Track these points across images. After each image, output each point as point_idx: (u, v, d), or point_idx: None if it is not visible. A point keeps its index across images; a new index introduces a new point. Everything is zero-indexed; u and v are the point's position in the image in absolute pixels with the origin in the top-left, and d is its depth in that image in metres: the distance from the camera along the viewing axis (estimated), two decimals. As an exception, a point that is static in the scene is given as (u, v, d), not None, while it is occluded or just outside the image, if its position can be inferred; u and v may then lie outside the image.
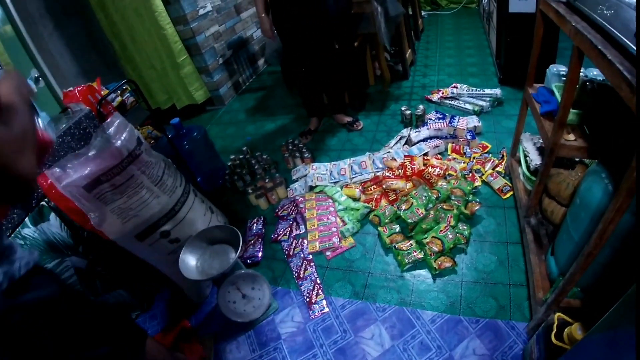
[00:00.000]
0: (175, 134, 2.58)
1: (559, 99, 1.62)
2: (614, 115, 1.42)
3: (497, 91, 2.96)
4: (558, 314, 1.30)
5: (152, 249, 1.85)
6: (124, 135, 1.69)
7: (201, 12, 3.68)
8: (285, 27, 2.56)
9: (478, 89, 3.05)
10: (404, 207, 2.09)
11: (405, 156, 2.43)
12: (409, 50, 3.71)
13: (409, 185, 2.25)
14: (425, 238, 1.94)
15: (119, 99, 2.20)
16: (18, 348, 0.81)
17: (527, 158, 1.96)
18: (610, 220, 1.06)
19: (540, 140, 2.00)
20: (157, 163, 1.87)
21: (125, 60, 3.79)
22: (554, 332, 1.25)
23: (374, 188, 2.34)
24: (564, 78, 1.79)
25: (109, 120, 1.69)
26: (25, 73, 2.63)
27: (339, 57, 2.73)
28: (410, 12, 3.95)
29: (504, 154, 2.40)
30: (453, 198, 2.12)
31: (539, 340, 1.35)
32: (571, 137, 1.51)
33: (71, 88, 2.13)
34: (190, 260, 1.83)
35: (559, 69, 1.82)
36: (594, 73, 1.74)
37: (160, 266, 1.94)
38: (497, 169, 2.33)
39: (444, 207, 2.07)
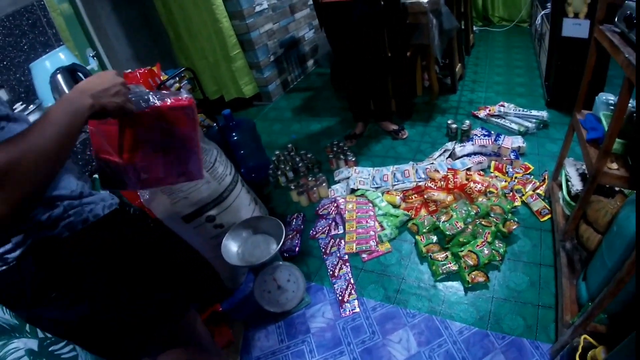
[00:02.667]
0: (226, 124, 2.70)
1: (606, 127, 1.64)
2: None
3: (544, 114, 2.97)
4: (584, 335, 1.34)
5: (196, 232, 1.95)
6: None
7: (257, 9, 3.80)
8: (338, 33, 2.61)
9: (525, 110, 3.06)
10: (443, 218, 2.14)
11: (448, 169, 2.48)
12: (459, 65, 3.74)
13: (450, 198, 2.30)
14: (462, 251, 1.99)
15: (177, 85, 2.32)
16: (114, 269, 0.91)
17: (569, 183, 1.98)
18: None
19: (583, 167, 2.02)
20: (210, 150, 1.97)
21: (179, 49, 3.95)
22: (579, 352, 1.29)
23: (415, 197, 2.40)
24: (612, 107, 1.83)
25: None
26: (81, 52, 2.78)
27: (390, 65, 2.79)
28: (462, 27, 3.96)
29: (546, 177, 2.42)
30: (492, 215, 2.16)
31: (563, 360, 1.39)
32: (614, 165, 1.54)
33: (130, 70, 2.26)
34: (232, 246, 1.93)
35: (607, 97, 1.84)
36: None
37: (201, 249, 2.05)
38: (538, 191, 2.35)
39: (483, 222, 2.11)
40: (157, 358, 1.09)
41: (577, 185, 1.91)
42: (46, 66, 2.00)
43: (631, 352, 0.91)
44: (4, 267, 0.81)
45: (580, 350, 1.30)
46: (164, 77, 2.28)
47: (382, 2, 2.49)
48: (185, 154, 1.22)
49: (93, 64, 2.41)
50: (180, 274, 1.18)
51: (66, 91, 1.84)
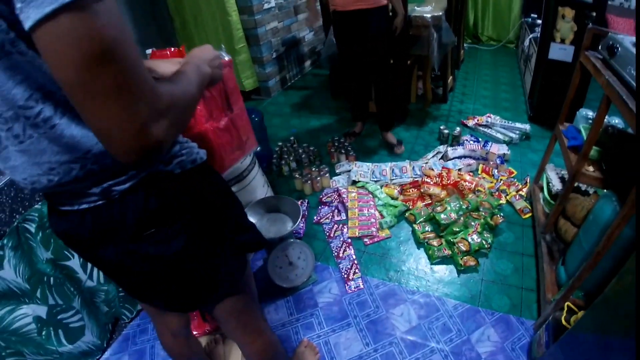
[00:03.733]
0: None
1: (585, 137, 1.93)
2: (628, 156, 1.75)
3: (527, 127, 3.27)
4: (567, 302, 1.59)
5: None
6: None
7: (266, 6, 3.99)
8: (348, 39, 2.77)
9: (510, 122, 3.36)
10: (438, 209, 2.37)
11: (442, 167, 2.73)
12: (451, 77, 4.03)
13: (444, 193, 2.55)
14: (455, 238, 2.23)
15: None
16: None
17: (550, 184, 2.25)
18: (617, 225, 1.37)
19: (563, 172, 2.30)
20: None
21: (183, 37, 4.06)
22: (564, 316, 1.54)
23: (413, 191, 2.63)
24: (591, 121, 2.12)
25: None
26: None
27: (393, 72, 3.00)
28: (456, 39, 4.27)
29: (528, 181, 2.70)
30: (481, 209, 2.41)
31: (547, 328, 1.63)
32: (590, 168, 1.81)
33: (152, 49, 2.38)
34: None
35: (587, 112, 2.15)
36: (616, 121, 2.07)
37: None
38: (520, 192, 2.62)
39: (473, 215, 2.36)
40: (215, 307, 1.14)
41: (557, 185, 2.19)
42: None
43: (606, 309, 1.13)
44: (102, 202, 0.81)
45: (564, 314, 1.54)
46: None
47: (391, 13, 2.74)
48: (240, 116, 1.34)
49: None
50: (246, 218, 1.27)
51: None
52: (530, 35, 3.93)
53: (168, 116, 0.65)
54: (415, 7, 3.29)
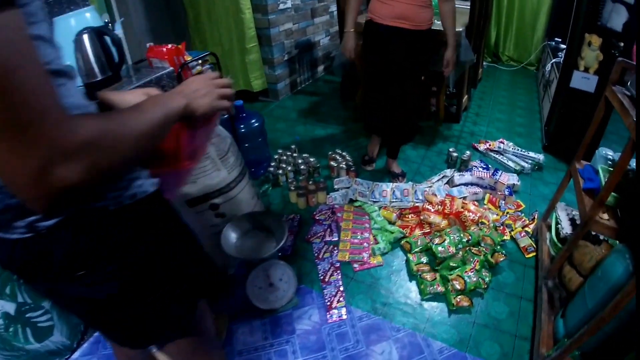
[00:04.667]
0: (236, 115, 2.74)
1: (602, 179, 1.76)
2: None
3: (541, 157, 3.10)
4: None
5: (197, 218, 1.97)
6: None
7: (281, 6, 3.85)
8: (377, 53, 2.52)
9: (523, 150, 3.19)
10: (436, 240, 2.22)
11: (446, 195, 2.57)
12: (466, 96, 3.86)
13: (445, 222, 2.39)
14: (451, 275, 2.07)
15: (199, 67, 2.35)
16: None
17: (559, 225, 2.09)
18: (628, 294, 1.22)
19: (574, 212, 2.13)
20: (224, 138, 2.01)
21: (195, 31, 3.96)
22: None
23: (412, 217, 2.48)
24: (610, 162, 1.95)
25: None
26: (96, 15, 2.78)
27: (417, 90, 2.83)
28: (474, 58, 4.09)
29: (535, 217, 2.53)
30: (482, 245, 2.25)
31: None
32: (605, 216, 1.65)
33: (151, 43, 2.26)
34: (232, 237, 1.96)
35: (607, 152, 1.97)
36: (637, 164, 1.89)
37: (200, 235, 2.06)
38: (526, 228, 2.46)
39: (473, 250, 2.20)
40: (164, 347, 1.08)
41: (566, 228, 2.02)
42: (71, 24, 1.95)
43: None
44: (30, 235, 0.72)
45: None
46: (187, 57, 2.31)
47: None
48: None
49: (119, 31, 2.40)
50: (202, 259, 1.18)
51: (89, 53, 1.83)
52: (553, 60, 3.75)
53: (84, 157, 0.55)
54: (435, 21, 3.12)
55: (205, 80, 0.91)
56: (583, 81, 2.89)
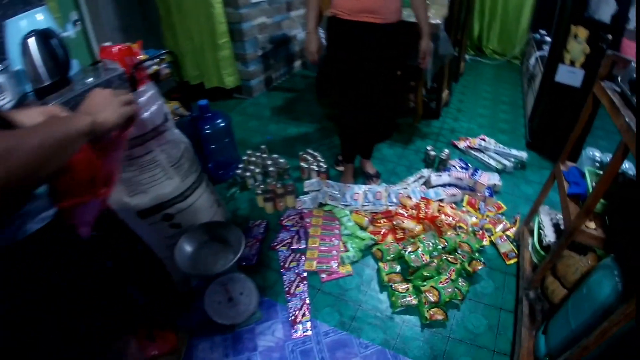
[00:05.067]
0: (200, 115, 2.57)
1: (589, 184, 1.62)
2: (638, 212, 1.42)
3: (524, 154, 2.95)
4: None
5: (151, 229, 1.83)
6: (153, 108, 1.66)
7: (253, 0, 3.67)
8: (345, 51, 2.26)
9: (505, 148, 3.03)
10: (409, 248, 2.06)
11: (421, 197, 2.41)
12: (446, 91, 3.71)
13: (419, 227, 2.23)
14: (424, 286, 1.92)
15: (155, 67, 2.18)
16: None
17: (542, 232, 1.94)
18: (617, 322, 1.10)
19: (558, 217, 1.99)
20: (178, 144, 1.85)
21: (167, 26, 3.78)
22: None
23: (384, 222, 2.32)
24: (598, 164, 1.80)
25: (142, 88, 1.67)
26: (64, 14, 2.60)
27: (393, 86, 2.61)
28: (456, 54, 3.94)
29: (517, 220, 2.39)
30: (459, 252, 2.10)
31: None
32: (592, 225, 1.51)
33: (110, 43, 2.11)
34: (186, 250, 1.80)
35: (594, 153, 1.83)
36: (626, 166, 1.74)
37: (155, 247, 1.92)
38: (508, 232, 2.31)
39: (449, 258, 2.05)
40: None
41: (550, 236, 1.86)
42: (20, 26, 1.83)
43: None
44: None
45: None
46: (143, 56, 2.13)
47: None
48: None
49: (71, 31, 2.23)
50: (119, 296, 1.05)
51: (35, 57, 1.69)
52: (538, 53, 3.60)
53: None
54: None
55: (104, 94, 0.92)
56: (569, 75, 2.75)
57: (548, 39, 3.79)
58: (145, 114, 1.62)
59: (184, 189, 1.84)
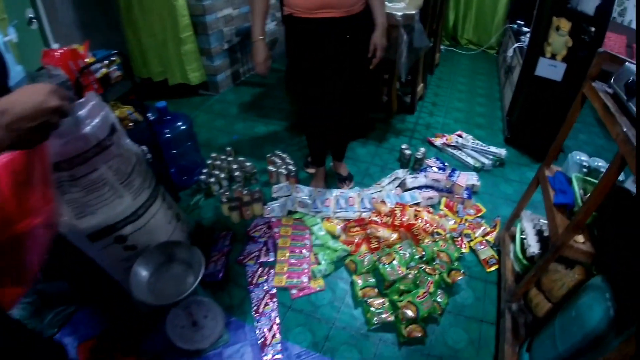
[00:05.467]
0: (159, 118, 2.39)
1: (577, 192, 1.50)
2: (630, 225, 1.31)
3: (502, 151, 2.84)
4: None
5: (104, 253, 1.66)
6: (96, 121, 1.48)
7: (218, -10, 3.45)
8: (306, 52, 2.05)
9: (483, 145, 2.91)
10: (384, 260, 1.93)
11: (396, 203, 2.28)
12: (421, 84, 3.56)
13: (395, 236, 2.10)
14: (401, 301, 1.79)
15: (104, 70, 1.96)
16: None
17: (524, 240, 1.82)
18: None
19: (541, 222, 1.86)
20: (128, 158, 1.67)
21: (128, 21, 3.53)
22: None
23: (357, 230, 2.17)
24: (585, 169, 1.68)
25: (82, 100, 1.48)
26: (19, 11, 2.38)
27: (364, 82, 2.45)
28: (431, 44, 3.80)
29: (497, 223, 2.28)
30: (437, 262, 1.98)
31: None
32: (580, 238, 1.39)
33: (58, 46, 1.91)
34: (142, 276, 1.65)
35: (581, 157, 1.71)
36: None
37: (110, 271, 1.76)
38: (488, 237, 2.20)
39: (426, 270, 1.92)
40: None
41: (533, 246, 1.74)
42: None
43: None
44: None
45: None
46: (90, 59, 1.92)
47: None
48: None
49: (12, 35, 2.00)
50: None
51: None
52: (515, 45, 3.48)
53: None
54: (386, 3, 2.78)
55: (36, 87, 0.79)
56: (549, 69, 2.63)
57: (526, 29, 3.68)
58: (87, 129, 1.45)
59: (136, 208, 1.67)
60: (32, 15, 2.49)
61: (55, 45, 2.62)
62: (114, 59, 1.99)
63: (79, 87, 1.74)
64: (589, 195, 1.27)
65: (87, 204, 1.53)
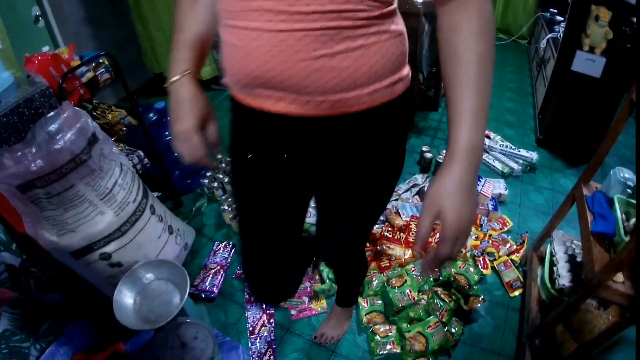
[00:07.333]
0: (158, 120, 2.25)
1: (619, 217, 1.27)
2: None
3: (534, 155, 2.56)
4: None
5: (89, 269, 1.57)
6: (70, 134, 1.35)
7: (229, -19, 3.27)
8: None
9: (513, 147, 2.64)
10: (394, 282, 1.74)
11: (412, 217, 2.07)
12: (446, 78, 3.30)
13: (409, 254, 1.90)
14: (409, 331, 1.61)
15: (90, 74, 1.80)
16: None
17: (555, 267, 1.60)
18: None
19: (574, 244, 1.63)
20: (108, 171, 1.54)
21: (137, 16, 3.38)
22: None
23: (367, 247, 1.98)
24: (630, 190, 1.44)
25: (53, 112, 1.34)
26: (24, 10, 2.29)
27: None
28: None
29: (525, 240, 2.04)
30: (454, 286, 1.78)
31: None
32: (619, 277, 1.17)
33: (46, 49, 1.78)
34: (127, 297, 1.54)
35: (625, 175, 1.45)
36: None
37: (99, 287, 1.66)
38: (513, 256, 1.98)
39: (441, 295, 1.73)
40: None
41: (563, 277, 1.51)
42: None
43: None
44: None
45: None
46: (75, 62, 1.76)
47: None
48: None
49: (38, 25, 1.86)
50: None
51: None
52: (549, 35, 3.17)
53: None
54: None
55: None
56: (587, 64, 2.34)
57: (559, 18, 3.35)
58: (59, 144, 1.32)
59: (120, 224, 1.55)
60: (38, 13, 2.37)
61: (62, 45, 2.52)
62: (101, 60, 1.83)
63: (63, 94, 1.59)
64: (634, 226, 1.04)
65: (66, 222, 1.43)
